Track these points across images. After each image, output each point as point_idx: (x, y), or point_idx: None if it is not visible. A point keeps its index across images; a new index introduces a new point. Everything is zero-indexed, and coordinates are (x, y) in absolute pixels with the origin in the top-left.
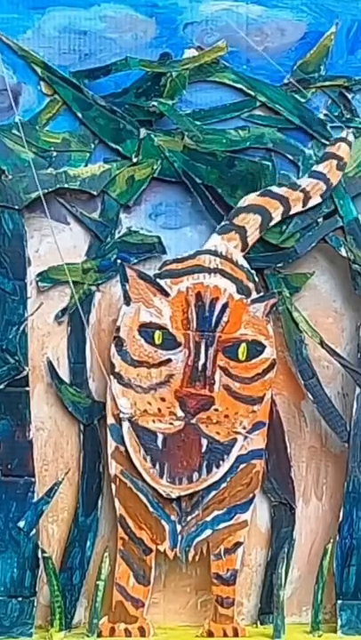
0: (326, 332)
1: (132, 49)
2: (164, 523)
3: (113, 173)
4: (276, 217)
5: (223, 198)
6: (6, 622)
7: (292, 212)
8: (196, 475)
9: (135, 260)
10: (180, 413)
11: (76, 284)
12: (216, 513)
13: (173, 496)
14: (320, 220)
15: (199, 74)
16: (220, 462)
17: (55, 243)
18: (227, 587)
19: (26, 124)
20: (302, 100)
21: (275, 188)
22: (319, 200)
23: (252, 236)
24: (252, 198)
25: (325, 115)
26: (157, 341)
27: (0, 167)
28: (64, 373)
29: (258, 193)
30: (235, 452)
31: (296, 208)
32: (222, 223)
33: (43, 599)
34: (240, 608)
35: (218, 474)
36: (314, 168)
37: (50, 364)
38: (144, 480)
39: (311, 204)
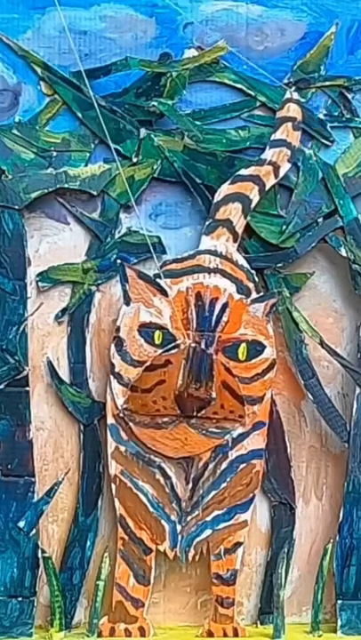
0: (326, 332)
1: (132, 49)
2: (164, 523)
3: (113, 173)
4: (255, 197)
5: None
6: (6, 622)
7: (268, 187)
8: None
9: (135, 260)
10: (180, 413)
11: (75, 283)
12: (216, 513)
13: (176, 456)
14: (320, 219)
15: (199, 74)
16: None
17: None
18: (227, 587)
19: (26, 124)
20: (302, 100)
21: (243, 171)
22: (288, 165)
23: (239, 224)
24: (225, 189)
25: (325, 115)
26: (157, 341)
27: (0, 167)
28: (64, 373)
29: (228, 182)
30: (236, 433)
31: (270, 181)
32: (206, 223)
33: (43, 599)
34: (240, 608)
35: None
36: (272, 137)
37: (50, 364)
38: (144, 479)
39: (283, 172)
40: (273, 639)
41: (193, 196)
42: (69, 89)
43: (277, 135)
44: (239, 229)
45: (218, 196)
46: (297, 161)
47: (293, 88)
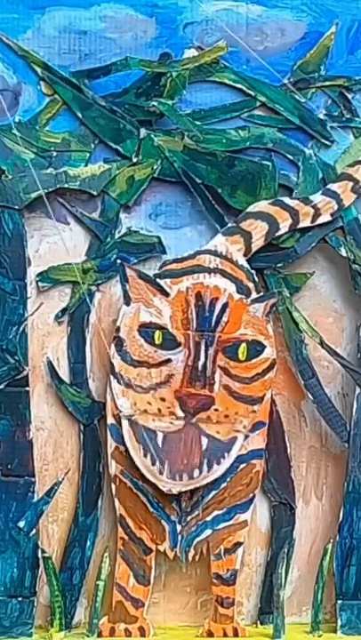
0: (326, 332)
1: (132, 49)
2: (164, 523)
3: (113, 173)
4: (284, 228)
5: (223, 198)
6: (6, 622)
7: (299, 226)
8: (196, 471)
9: (135, 260)
10: (180, 413)
11: (75, 283)
12: (216, 513)
13: (174, 491)
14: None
15: (199, 74)
16: (221, 459)
17: (62, 241)
18: (227, 587)
19: (26, 124)
20: (302, 100)
21: (287, 199)
22: (329, 219)
23: (257, 243)
24: (262, 205)
25: (325, 115)
26: (157, 341)
27: (0, 167)
28: (64, 373)
29: (270, 201)
30: (235, 450)
31: (305, 222)
32: (229, 225)
33: (43, 599)
34: (240, 608)
35: (218, 471)
36: (329, 186)
37: (50, 364)
38: (144, 479)
39: (320, 221)
40: (273, 639)
41: (193, 196)
42: (69, 89)
43: (334, 187)
44: (254, 247)
45: (253, 208)
46: (297, 161)
47: None
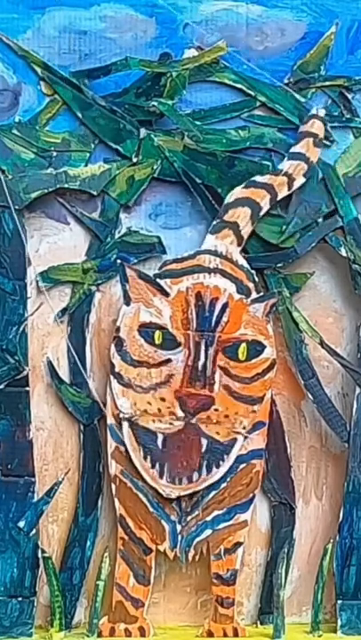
0: (326, 332)
1: (132, 49)
2: (164, 523)
3: (113, 173)
4: (265, 205)
5: (223, 198)
6: (6, 622)
7: (279, 197)
8: (195, 475)
9: (135, 260)
10: (180, 413)
11: (75, 283)
12: (216, 513)
13: (173, 496)
14: (320, 219)
15: (199, 74)
16: (220, 462)
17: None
18: (227, 587)
19: (26, 124)
20: (302, 100)
21: (258, 178)
22: (303, 180)
23: (246, 229)
24: (237, 192)
25: (325, 115)
26: (157, 341)
27: (0, 167)
28: (64, 373)
29: (242, 186)
30: (235, 452)
31: (282, 192)
32: (214, 222)
33: (43, 599)
34: (240, 608)
35: (218, 474)
36: (292, 150)
37: (50, 364)
38: (144, 480)
39: (296, 185)
40: (273, 639)
41: (193, 195)
42: (69, 89)
43: (297, 148)
44: (245, 234)
45: (229, 198)
46: None
47: (321, 106)
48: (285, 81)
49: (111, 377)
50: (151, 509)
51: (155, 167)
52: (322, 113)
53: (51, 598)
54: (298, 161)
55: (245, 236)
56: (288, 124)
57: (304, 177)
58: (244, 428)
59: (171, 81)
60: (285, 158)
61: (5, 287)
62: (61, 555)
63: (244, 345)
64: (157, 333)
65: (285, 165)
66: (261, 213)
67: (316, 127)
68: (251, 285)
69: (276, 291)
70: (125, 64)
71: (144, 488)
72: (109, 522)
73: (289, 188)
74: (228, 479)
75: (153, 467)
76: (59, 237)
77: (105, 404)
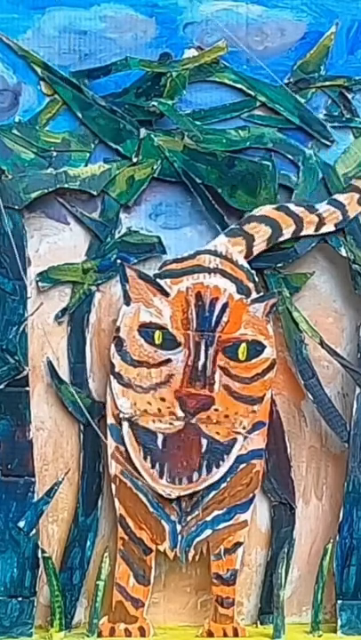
0: (326, 332)
1: (132, 49)
2: (164, 523)
3: (113, 173)
4: (287, 234)
5: (223, 198)
6: (6, 622)
7: (302, 234)
8: (195, 475)
9: (135, 260)
10: (180, 413)
11: (75, 283)
12: (216, 513)
13: (173, 496)
14: None
15: (199, 74)
16: (220, 462)
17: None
18: (227, 587)
19: (26, 124)
20: (302, 100)
21: (292, 206)
22: (333, 229)
23: (258, 247)
24: (267, 209)
25: (325, 115)
26: (157, 341)
27: (0, 167)
28: (64, 373)
29: (275, 206)
30: (235, 452)
31: (308, 231)
32: (232, 226)
33: (43, 599)
34: (240, 608)
35: (218, 474)
36: (335, 197)
37: (50, 364)
38: (144, 480)
39: (324, 230)
40: (273, 639)
41: (193, 196)
42: (69, 89)
43: (341, 198)
44: (256, 250)
45: (257, 212)
46: (297, 161)
47: None
48: (285, 81)
49: (111, 377)
50: (151, 509)
51: (155, 167)
52: None
53: (51, 598)
54: (335, 209)
55: (255, 253)
56: (288, 124)
57: (335, 227)
58: (244, 428)
59: (171, 81)
60: (325, 201)
61: (5, 287)
62: (61, 555)
63: (244, 345)
64: (157, 333)
65: (323, 208)
66: (279, 240)
67: None
68: (251, 285)
69: (276, 291)
70: (125, 64)
71: (144, 488)
72: (109, 522)
73: (315, 230)
74: (228, 479)
75: (153, 467)
76: (59, 237)
77: (103, 405)
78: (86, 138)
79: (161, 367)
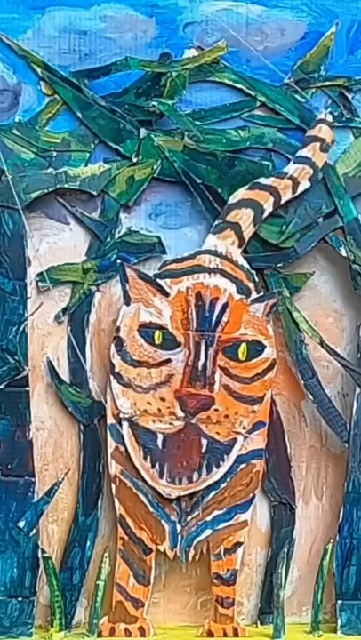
0: (326, 332)
1: (132, 49)
2: (164, 523)
3: (113, 173)
4: (268, 208)
5: (223, 198)
6: (6, 622)
7: (283, 201)
8: (195, 475)
9: (135, 260)
10: (180, 413)
11: (75, 283)
12: (216, 513)
13: (173, 496)
14: (320, 220)
15: (199, 74)
16: (220, 462)
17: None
18: (227, 587)
19: (26, 124)
20: (302, 100)
21: (263, 180)
22: (308, 184)
23: (247, 231)
24: (241, 193)
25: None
26: (157, 341)
27: (0, 167)
28: (64, 373)
29: (246, 187)
30: (235, 452)
31: (286, 196)
32: (216, 222)
33: (43, 599)
34: (240, 608)
35: (218, 474)
36: (298, 153)
37: (50, 364)
38: (144, 480)
39: (301, 189)
40: (273, 639)
41: (193, 195)
42: (69, 89)
43: (304, 152)
44: (246, 236)
45: (232, 199)
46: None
47: (328, 110)
48: (285, 81)
49: (111, 377)
50: (151, 509)
51: (155, 167)
52: (329, 117)
53: (51, 598)
54: (303, 165)
55: (247, 238)
56: (288, 123)
57: (309, 181)
58: (244, 428)
59: (171, 81)
60: (291, 162)
61: (5, 287)
62: (61, 555)
63: (244, 345)
64: (157, 333)
65: (291, 169)
66: (264, 216)
67: (324, 132)
68: (251, 285)
69: (276, 291)
70: (125, 64)
71: (144, 488)
72: (109, 522)
73: (293, 192)
74: (228, 479)
75: (153, 467)
76: (59, 237)
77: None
78: (86, 138)
79: (161, 367)
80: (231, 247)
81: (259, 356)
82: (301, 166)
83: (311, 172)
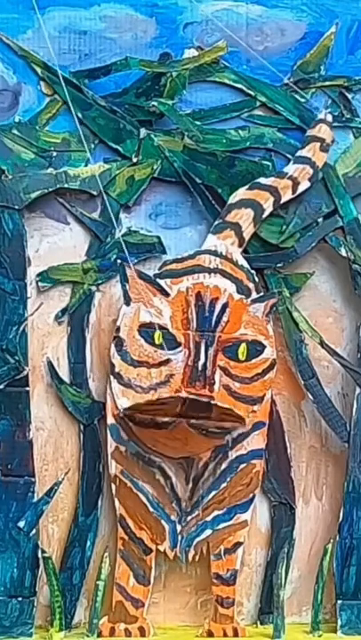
0: (326, 332)
1: (132, 49)
2: (164, 523)
3: (113, 173)
4: (268, 208)
5: (223, 198)
6: (6, 622)
7: (283, 201)
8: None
9: (135, 260)
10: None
11: (75, 283)
12: (216, 513)
13: (183, 396)
14: (320, 219)
15: (199, 74)
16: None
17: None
18: (227, 587)
19: (26, 124)
20: (302, 100)
21: (263, 180)
22: (308, 184)
23: (247, 231)
24: (241, 193)
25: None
26: (157, 341)
27: (0, 167)
28: (64, 373)
29: (246, 187)
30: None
31: (286, 196)
32: (216, 222)
33: (43, 599)
34: (240, 608)
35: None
36: (298, 153)
37: (50, 364)
38: (144, 479)
39: (301, 189)
40: (273, 639)
41: (193, 195)
42: (69, 89)
43: (303, 152)
44: (246, 235)
45: (232, 199)
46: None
47: (328, 110)
48: (285, 81)
49: (111, 377)
50: (151, 509)
51: (155, 167)
52: (329, 117)
53: (51, 598)
54: (303, 165)
55: (247, 238)
56: (288, 123)
57: (309, 181)
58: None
59: (171, 81)
60: (291, 162)
61: (5, 287)
62: (61, 555)
63: (244, 345)
64: (157, 333)
65: (291, 169)
66: (264, 215)
67: (323, 132)
68: (251, 285)
69: (276, 291)
70: (125, 64)
71: (144, 488)
72: (109, 522)
73: (293, 192)
74: (228, 479)
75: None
76: (59, 237)
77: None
78: (86, 138)
79: (161, 367)
80: (231, 247)
81: (259, 356)
82: (301, 166)
83: (311, 171)
